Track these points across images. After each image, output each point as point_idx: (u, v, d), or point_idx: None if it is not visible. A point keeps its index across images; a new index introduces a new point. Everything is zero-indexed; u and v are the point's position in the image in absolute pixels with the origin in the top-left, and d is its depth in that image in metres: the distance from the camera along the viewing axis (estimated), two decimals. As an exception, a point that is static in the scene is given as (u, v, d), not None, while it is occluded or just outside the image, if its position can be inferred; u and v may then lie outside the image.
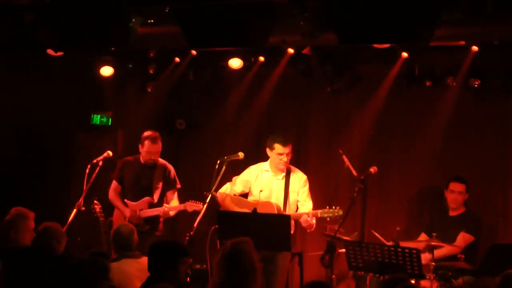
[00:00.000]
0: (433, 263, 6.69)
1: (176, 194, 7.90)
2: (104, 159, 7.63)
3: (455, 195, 7.51)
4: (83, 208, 7.40)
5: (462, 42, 7.38)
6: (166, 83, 8.99)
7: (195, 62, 8.71)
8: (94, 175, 7.45)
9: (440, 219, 7.63)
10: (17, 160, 8.76)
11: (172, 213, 7.74)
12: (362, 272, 6.92)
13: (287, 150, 7.36)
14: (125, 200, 7.83)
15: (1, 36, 7.37)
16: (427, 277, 6.59)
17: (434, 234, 6.87)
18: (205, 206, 6.95)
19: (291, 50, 8.21)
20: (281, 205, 7.35)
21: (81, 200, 7.37)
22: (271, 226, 6.66)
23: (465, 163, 8.02)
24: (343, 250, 6.79)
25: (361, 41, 6.56)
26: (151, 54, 8.81)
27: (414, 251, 6.24)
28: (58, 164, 8.92)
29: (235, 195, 7.55)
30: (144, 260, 5.76)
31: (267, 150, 7.47)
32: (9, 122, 8.70)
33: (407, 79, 8.19)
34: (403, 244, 6.67)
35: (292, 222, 7.07)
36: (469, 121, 8.10)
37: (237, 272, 4.68)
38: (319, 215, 7.19)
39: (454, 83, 7.96)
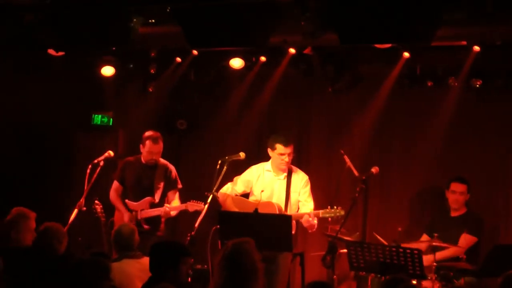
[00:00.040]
0: (434, 264, 6.69)
1: (177, 194, 7.89)
2: (105, 159, 7.62)
3: (456, 195, 7.49)
4: (84, 208, 7.40)
5: (464, 42, 7.37)
6: (167, 83, 8.99)
7: (196, 62, 8.71)
8: (95, 175, 7.44)
9: (441, 219, 7.61)
10: (18, 160, 8.77)
11: (173, 213, 7.73)
12: (364, 273, 6.92)
13: (288, 150, 7.35)
14: (126, 200, 7.83)
15: (2, 36, 7.37)
16: (429, 278, 6.58)
17: (435, 234, 6.86)
18: (206, 206, 6.94)
19: (292, 50, 8.21)
20: (283, 205, 7.34)
21: (82, 200, 7.37)
22: (273, 226, 6.64)
23: (466, 163, 8.01)
24: (345, 250, 6.78)
25: (363, 41, 6.55)
26: (152, 54, 8.81)
27: (415, 252, 6.23)
28: (59, 164, 8.93)
29: (236, 195, 7.54)
30: (145, 260, 5.76)
31: (269, 150, 7.46)
32: (10, 122, 8.70)
33: (408, 79, 8.18)
34: (405, 246, 6.65)
35: (294, 222, 7.06)
36: (470, 121, 8.08)
37: (238, 272, 4.68)
38: (320, 215, 7.19)
39: (456, 83, 7.95)
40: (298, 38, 6.93)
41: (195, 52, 8.48)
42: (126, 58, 8.82)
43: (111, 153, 7.73)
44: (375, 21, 5.99)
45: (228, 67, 8.60)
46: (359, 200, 7.35)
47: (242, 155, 7.31)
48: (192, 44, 6.88)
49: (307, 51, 8.16)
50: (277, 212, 7.22)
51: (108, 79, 8.80)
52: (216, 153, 7.74)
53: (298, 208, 7.43)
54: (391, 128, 8.45)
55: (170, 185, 7.89)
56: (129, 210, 7.80)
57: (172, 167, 7.94)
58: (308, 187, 7.46)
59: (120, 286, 5.58)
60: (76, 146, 8.97)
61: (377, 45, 7.21)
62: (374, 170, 7.14)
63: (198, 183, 8.26)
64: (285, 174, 7.46)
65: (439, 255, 6.95)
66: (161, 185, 7.84)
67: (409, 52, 7.89)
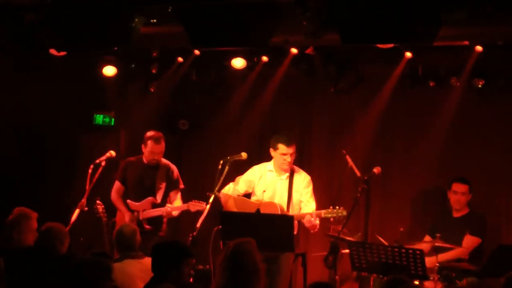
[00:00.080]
0: (437, 264, 6.67)
1: (179, 195, 7.89)
2: (107, 159, 7.61)
3: (458, 196, 7.48)
4: (86, 208, 7.40)
5: (466, 42, 7.35)
6: (169, 83, 8.98)
7: (198, 62, 8.70)
8: (96, 175, 7.44)
9: (443, 220, 7.60)
10: (19, 160, 8.76)
11: (175, 213, 7.73)
12: (366, 273, 6.91)
13: (290, 150, 7.34)
14: (128, 200, 7.82)
15: (3, 36, 7.36)
16: (431, 278, 6.57)
17: (438, 235, 6.84)
18: (208, 206, 6.93)
19: (294, 50, 8.19)
20: (285, 206, 7.33)
21: (84, 200, 7.36)
22: (274, 227, 6.64)
23: (468, 163, 8.00)
24: (347, 250, 6.77)
25: (364, 41, 6.54)
26: (154, 54, 8.80)
27: (418, 252, 6.22)
28: (60, 164, 8.92)
29: (238, 195, 7.53)
30: (147, 260, 5.76)
31: (271, 150, 7.45)
32: (11, 122, 8.69)
33: (410, 79, 8.16)
34: (407, 247, 6.64)
35: (296, 222, 7.06)
36: (472, 122, 8.07)
37: (240, 272, 4.68)
38: (322, 216, 7.18)
39: (458, 83, 7.94)
40: (300, 38, 6.92)
41: (197, 52, 8.48)
42: (127, 58, 8.81)
43: (113, 153, 7.73)
44: (377, 21, 5.99)
45: (230, 67, 8.59)
46: (361, 200, 7.33)
47: (244, 155, 7.30)
48: (194, 44, 6.87)
49: (309, 51, 8.15)
50: (279, 213, 7.21)
51: (110, 79, 8.79)
52: (218, 153, 7.73)
53: (300, 209, 7.42)
54: (393, 128, 8.44)
55: (172, 185, 7.88)
56: (131, 210, 7.79)
57: (174, 167, 7.94)
58: (310, 187, 7.45)
59: (121, 287, 5.57)
60: (77, 146, 8.96)
61: (379, 45, 7.20)
62: (376, 170, 7.13)
63: (200, 183, 8.26)
64: (287, 174, 7.45)
65: (443, 257, 6.96)
66: (163, 185, 7.84)
67: (411, 52, 7.88)
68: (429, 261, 6.61)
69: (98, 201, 7.70)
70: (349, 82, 8.31)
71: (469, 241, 7.24)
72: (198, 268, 7.47)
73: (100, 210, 7.68)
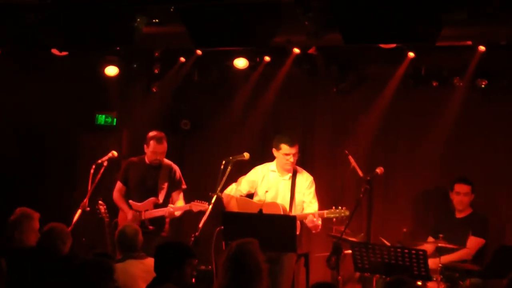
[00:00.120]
0: (440, 265, 6.66)
1: (181, 195, 7.88)
2: (109, 159, 7.61)
3: (460, 196, 7.46)
4: (88, 209, 7.39)
5: (469, 42, 7.33)
6: (171, 83, 8.98)
7: (200, 62, 8.70)
8: (99, 176, 7.43)
9: (446, 221, 7.58)
10: (21, 160, 8.77)
11: (177, 213, 7.72)
12: (369, 274, 6.90)
13: (293, 150, 7.33)
14: (130, 201, 7.81)
15: (5, 36, 7.35)
16: (434, 279, 6.55)
17: (441, 235, 6.83)
18: (210, 206, 6.92)
19: (296, 50, 8.18)
20: (287, 206, 7.32)
21: (86, 200, 7.36)
22: (277, 227, 6.63)
23: (471, 163, 7.98)
24: (350, 251, 6.76)
25: (367, 41, 6.52)
26: (156, 54, 8.80)
27: (420, 252, 6.21)
28: (62, 165, 8.92)
29: (241, 195, 7.52)
30: (149, 261, 5.76)
31: (274, 150, 7.44)
32: (13, 122, 8.71)
33: (413, 79, 8.15)
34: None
35: (298, 223, 7.04)
36: (476, 122, 8.05)
37: (243, 273, 4.67)
38: (325, 216, 7.16)
39: (461, 83, 7.92)
40: (302, 38, 6.90)
41: (199, 52, 8.47)
42: (130, 58, 8.81)
43: (115, 153, 7.72)
44: (380, 21, 5.97)
45: (232, 67, 8.58)
46: (364, 201, 7.33)
47: (246, 155, 7.29)
48: (196, 44, 6.86)
49: (311, 51, 8.14)
50: (282, 213, 7.19)
51: (112, 79, 8.79)
52: (220, 153, 7.72)
53: (303, 209, 7.40)
54: (396, 128, 8.42)
55: (174, 186, 7.87)
56: (133, 210, 7.78)
57: (176, 168, 7.93)
58: (313, 188, 7.43)
59: (123, 287, 5.56)
60: (79, 146, 8.96)
61: (382, 45, 7.18)
62: (379, 170, 7.11)
63: (202, 184, 8.25)
64: (290, 174, 7.43)
65: (447, 258, 6.95)
66: (165, 185, 7.83)
67: (414, 52, 7.86)
68: (433, 262, 6.59)
69: (100, 202, 7.70)
70: (351, 82, 8.31)
71: (473, 242, 7.23)
72: (200, 268, 7.46)
73: (102, 210, 7.67)
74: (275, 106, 8.85)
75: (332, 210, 7.14)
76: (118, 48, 8.09)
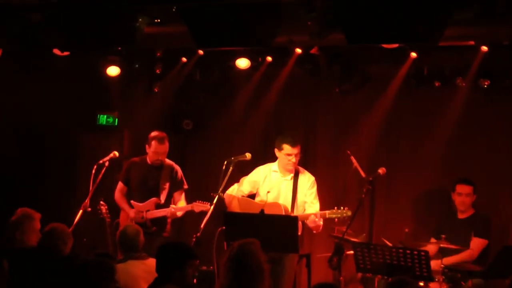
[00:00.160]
0: (442, 265, 6.64)
1: (183, 195, 7.87)
2: (111, 160, 7.61)
3: (462, 197, 7.44)
4: (89, 209, 7.39)
5: (472, 42, 7.31)
6: (173, 83, 8.98)
7: (202, 62, 8.69)
8: (100, 176, 7.43)
9: (448, 221, 7.56)
10: (22, 160, 8.77)
11: (179, 213, 7.71)
12: (370, 274, 6.88)
13: (295, 150, 7.31)
14: (132, 201, 7.80)
15: (7, 36, 7.35)
16: (436, 280, 6.54)
17: (443, 236, 6.81)
18: (212, 207, 6.91)
19: (298, 50, 8.17)
20: (289, 206, 7.30)
21: (87, 201, 7.35)
22: (279, 227, 6.62)
23: (474, 163, 7.96)
24: (351, 251, 6.74)
25: (370, 41, 6.50)
26: (158, 54, 8.79)
27: (422, 253, 6.19)
28: (64, 165, 8.92)
29: (242, 196, 7.51)
30: (150, 261, 5.75)
31: (276, 150, 7.42)
32: (14, 122, 8.70)
33: (416, 79, 8.14)
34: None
35: (300, 223, 7.03)
36: (478, 122, 8.03)
37: (244, 273, 4.66)
38: (327, 216, 7.15)
39: (463, 84, 7.90)
40: (304, 38, 6.89)
41: (200, 52, 8.47)
42: (131, 58, 8.81)
43: (116, 153, 7.72)
44: (382, 21, 5.94)
45: (234, 67, 8.57)
46: (366, 201, 7.31)
47: (248, 155, 7.27)
48: (198, 44, 6.85)
49: (313, 51, 8.13)
50: (283, 213, 7.18)
51: (114, 79, 8.79)
52: (222, 154, 7.71)
53: (304, 210, 7.39)
54: (398, 128, 8.41)
55: (176, 186, 7.86)
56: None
57: (178, 168, 7.92)
58: (315, 188, 7.42)
59: (125, 288, 5.56)
60: (81, 146, 8.96)
61: (384, 45, 7.17)
62: (381, 171, 7.10)
63: (204, 184, 8.24)
64: (292, 174, 7.42)
65: (451, 259, 6.93)
66: (167, 185, 7.82)
67: (416, 52, 7.85)
68: (436, 263, 6.58)
69: (101, 202, 7.69)
70: (354, 82, 8.29)
71: (476, 244, 7.20)
72: (202, 269, 7.45)
73: (104, 210, 7.67)
74: (277, 106, 8.84)
75: (334, 211, 7.12)
76: (119, 48, 8.08)
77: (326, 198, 7.74)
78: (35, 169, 8.88)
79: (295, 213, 7.28)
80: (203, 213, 7.13)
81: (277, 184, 7.44)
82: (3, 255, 5.45)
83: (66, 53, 7.79)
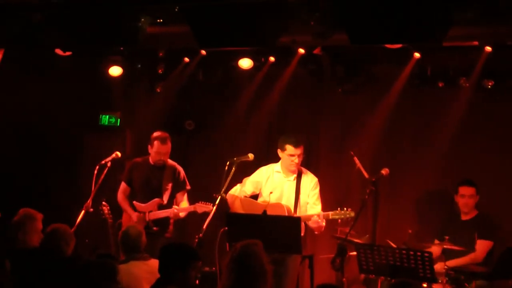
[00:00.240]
0: (445, 266, 6.62)
1: (186, 196, 7.86)
2: (113, 160, 7.59)
3: (465, 199, 7.42)
4: (92, 210, 7.38)
5: (475, 42, 7.29)
6: (175, 83, 8.96)
7: (205, 62, 8.68)
8: (102, 176, 7.41)
9: (452, 223, 7.55)
10: (25, 161, 8.76)
11: (182, 214, 7.69)
12: (373, 276, 6.86)
13: (298, 151, 7.29)
14: (134, 202, 7.79)
15: (9, 36, 7.34)
16: (440, 281, 6.51)
17: (446, 237, 6.79)
18: (215, 207, 6.89)
19: (301, 50, 8.16)
20: (292, 207, 7.28)
21: (89, 201, 7.34)
22: (281, 228, 6.61)
23: (478, 164, 7.94)
24: (354, 253, 6.72)
25: (373, 41, 6.50)
26: (160, 54, 8.78)
27: (426, 254, 6.16)
28: (66, 165, 8.92)
29: (245, 196, 7.49)
30: (153, 262, 5.74)
31: (278, 151, 7.40)
32: (17, 122, 8.70)
33: (419, 79, 8.12)
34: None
35: (303, 224, 7.01)
36: (482, 122, 8.01)
37: (247, 274, 4.65)
38: (330, 217, 7.13)
39: (467, 84, 7.88)
40: (307, 38, 6.88)
41: (203, 52, 8.45)
42: (133, 58, 8.80)
43: (119, 154, 7.70)
44: (385, 21, 5.94)
45: (236, 67, 8.56)
46: (369, 202, 7.28)
47: (250, 156, 7.25)
48: (201, 44, 6.83)
49: (316, 51, 8.12)
50: (286, 214, 7.16)
51: (116, 79, 8.78)
52: (224, 154, 7.69)
53: (306, 211, 7.36)
54: (402, 129, 8.39)
55: (178, 186, 7.84)
56: (137, 212, 7.75)
57: (180, 168, 7.90)
58: (317, 189, 7.40)
59: (127, 288, 5.55)
60: (83, 146, 8.96)
61: (388, 45, 7.16)
62: (384, 171, 7.07)
63: (206, 184, 8.21)
64: (295, 175, 7.40)
65: (456, 262, 6.90)
66: (169, 186, 7.80)
67: (419, 52, 7.84)
68: (440, 265, 6.55)
69: (103, 202, 7.67)
70: (357, 83, 8.29)
71: (482, 246, 7.18)
72: (204, 270, 7.43)
73: (106, 211, 7.65)
74: (280, 106, 8.82)
75: (337, 212, 7.10)
76: (122, 48, 8.08)
77: (329, 199, 7.71)
78: (37, 170, 8.87)
79: (298, 214, 7.26)
80: (206, 214, 7.11)
81: (280, 185, 7.42)
82: (5, 256, 5.45)
83: (68, 53, 7.79)
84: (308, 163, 8.01)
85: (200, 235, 6.65)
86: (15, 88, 8.53)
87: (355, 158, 7.28)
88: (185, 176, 7.91)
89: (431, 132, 8.13)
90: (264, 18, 6.38)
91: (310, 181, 7.41)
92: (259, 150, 8.08)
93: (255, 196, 7.53)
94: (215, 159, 8.51)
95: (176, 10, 6.71)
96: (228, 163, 7.04)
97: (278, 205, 7.24)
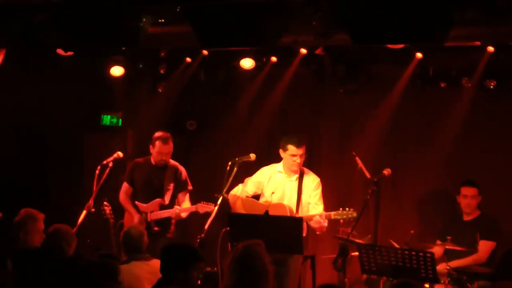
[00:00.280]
0: (447, 267, 6.61)
1: (187, 196, 7.85)
2: (114, 160, 7.58)
3: (468, 199, 7.41)
4: (93, 210, 7.36)
5: (478, 43, 7.27)
6: (177, 83, 8.96)
7: (207, 62, 8.68)
8: (104, 176, 7.40)
9: (454, 224, 7.53)
10: (27, 161, 8.75)
11: (184, 214, 7.68)
12: (375, 276, 6.85)
13: (300, 151, 7.28)
14: (136, 202, 7.78)
15: (11, 36, 7.33)
16: (442, 281, 6.50)
17: (448, 238, 6.77)
18: (216, 208, 6.88)
19: (303, 50, 8.15)
20: (294, 207, 7.27)
21: (91, 201, 7.33)
22: (283, 229, 6.60)
23: (480, 164, 7.93)
24: (356, 253, 6.72)
25: (375, 42, 6.49)
26: (162, 54, 8.78)
27: (428, 255, 6.15)
28: (67, 165, 8.92)
29: (247, 196, 7.48)
30: (154, 262, 5.73)
31: (280, 151, 7.40)
32: (18, 122, 8.69)
33: (421, 80, 8.11)
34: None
35: (305, 224, 7.00)
36: (484, 123, 8.00)
37: (249, 274, 4.65)
38: (332, 217, 7.11)
39: (469, 84, 7.88)
40: (309, 38, 6.88)
41: (205, 52, 8.45)
42: (135, 58, 8.79)
43: (120, 154, 7.69)
44: (388, 21, 5.93)
45: (238, 67, 8.56)
46: (371, 202, 7.28)
47: (252, 156, 7.24)
48: (202, 44, 6.83)
49: (318, 51, 8.11)
50: (288, 214, 7.15)
51: (117, 79, 8.77)
52: (226, 154, 7.68)
53: (308, 211, 7.35)
54: (404, 129, 8.38)
55: (180, 187, 7.84)
56: (139, 212, 7.75)
57: (182, 168, 7.90)
58: (320, 189, 7.38)
59: (128, 289, 5.54)
60: (85, 146, 8.96)
61: (390, 46, 7.15)
62: (386, 172, 7.06)
63: (208, 185, 8.20)
64: (297, 175, 7.39)
65: (459, 263, 6.89)
66: (171, 186, 7.80)
67: (422, 53, 7.83)
68: (442, 266, 6.53)
69: (105, 203, 7.67)
70: (359, 83, 8.28)
71: (484, 247, 7.16)
72: (206, 270, 7.42)
73: (108, 211, 7.64)
74: (281, 106, 8.82)
75: (339, 212, 7.09)
76: (123, 48, 8.07)
77: (331, 199, 7.71)
78: (39, 170, 8.87)
79: (299, 214, 7.25)
80: (208, 214, 7.10)
81: (282, 185, 7.41)
82: (7, 256, 5.45)
83: (70, 53, 7.79)
84: (310, 163, 8.00)
85: (202, 235, 6.64)
86: (15, 88, 8.53)
87: (357, 158, 7.27)
88: (186, 176, 7.91)
89: (433, 132, 8.12)
90: (265, 18, 6.37)
91: (312, 181, 7.40)
92: (261, 150, 8.07)
93: (257, 196, 7.53)
94: (216, 159, 8.50)
95: (178, 10, 6.70)
96: (229, 163, 7.03)
97: (280, 205, 7.23)
